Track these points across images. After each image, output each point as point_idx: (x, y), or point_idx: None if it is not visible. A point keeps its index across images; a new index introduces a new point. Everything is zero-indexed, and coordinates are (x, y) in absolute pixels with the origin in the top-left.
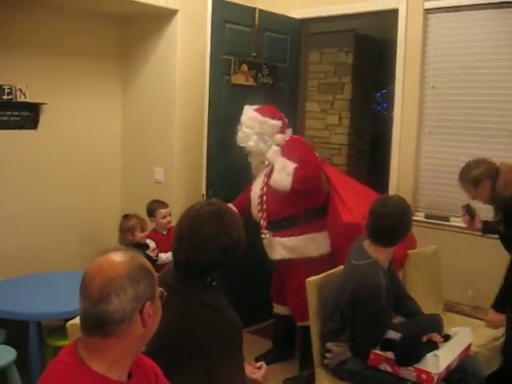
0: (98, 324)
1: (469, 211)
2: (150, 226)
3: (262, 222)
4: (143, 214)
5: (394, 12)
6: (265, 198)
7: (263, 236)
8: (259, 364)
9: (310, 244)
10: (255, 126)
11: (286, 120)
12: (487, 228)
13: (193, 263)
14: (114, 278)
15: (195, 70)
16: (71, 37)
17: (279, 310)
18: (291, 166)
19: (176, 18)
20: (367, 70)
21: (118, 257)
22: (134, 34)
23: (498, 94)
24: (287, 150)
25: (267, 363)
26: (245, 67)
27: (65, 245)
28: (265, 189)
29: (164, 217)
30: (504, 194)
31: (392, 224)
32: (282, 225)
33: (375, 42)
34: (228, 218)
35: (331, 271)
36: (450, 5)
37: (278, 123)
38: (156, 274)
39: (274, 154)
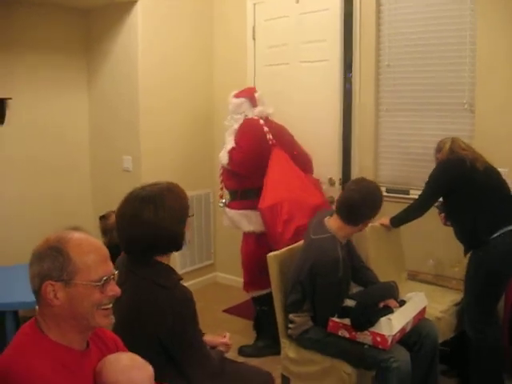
0: None
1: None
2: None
3: (220, 191)
4: (115, 204)
5: None
6: (221, 170)
7: (219, 204)
8: (223, 335)
9: (243, 219)
10: (230, 108)
11: (256, 96)
12: None
13: (128, 245)
14: (33, 252)
15: (157, 58)
16: (35, 31)
17: None
18: (230, 146)
19: (136, 7)
20: None
21: (53, 234)
22: (97, 26)
23: (450, 71)
24: (236, 132)
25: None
26: None
27: (39, 238)
28: None
29: None
30: None
31: (358, 202)
32: (231, 196)
33: None
34: (155, 201)
35: (291, 246)
36: None
37: (238, 101)
38: (80, 259)
39: (229, 132)
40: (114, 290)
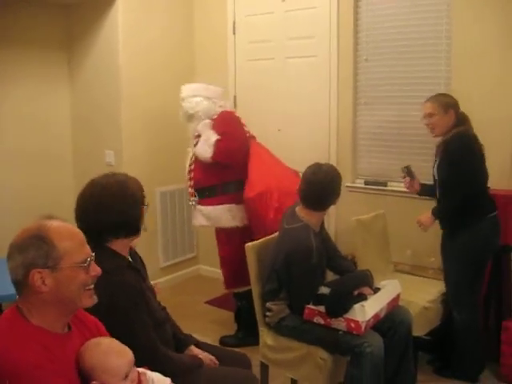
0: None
1: (409, 173)
2: None
3: (189, 189)
4: None
5: None
6: (193, 166)
7: (190, 203)
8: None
9: (225, 214)
10: (201, 92)
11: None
12: (424, 190)
13: (87, 229)
14: (11, 244)
15: (138, 50)
16: (16, 27)
17: None
18: (214, 137)
19: (117, 2)
20: None
21: (30, 224)
22: (78, 21)
23: (426, 64)
24: (216, 124)
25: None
26: None
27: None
28: (193, 158)
29: None
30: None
31: (321, 190)
32: (204, 194)
33: None
34: (96, 188)
35: (268, 237)
36: None
37: (219, 89)
38: (62, 244)
39: (203, 126)
40: (96, 269)
